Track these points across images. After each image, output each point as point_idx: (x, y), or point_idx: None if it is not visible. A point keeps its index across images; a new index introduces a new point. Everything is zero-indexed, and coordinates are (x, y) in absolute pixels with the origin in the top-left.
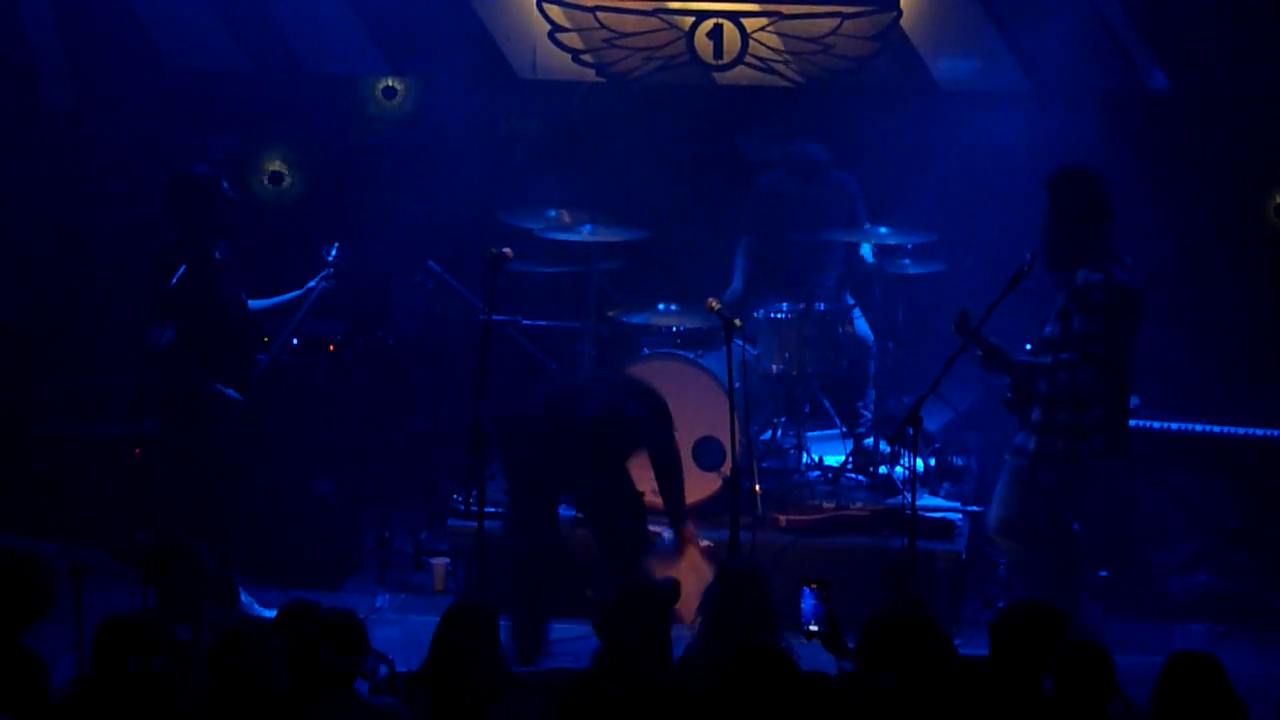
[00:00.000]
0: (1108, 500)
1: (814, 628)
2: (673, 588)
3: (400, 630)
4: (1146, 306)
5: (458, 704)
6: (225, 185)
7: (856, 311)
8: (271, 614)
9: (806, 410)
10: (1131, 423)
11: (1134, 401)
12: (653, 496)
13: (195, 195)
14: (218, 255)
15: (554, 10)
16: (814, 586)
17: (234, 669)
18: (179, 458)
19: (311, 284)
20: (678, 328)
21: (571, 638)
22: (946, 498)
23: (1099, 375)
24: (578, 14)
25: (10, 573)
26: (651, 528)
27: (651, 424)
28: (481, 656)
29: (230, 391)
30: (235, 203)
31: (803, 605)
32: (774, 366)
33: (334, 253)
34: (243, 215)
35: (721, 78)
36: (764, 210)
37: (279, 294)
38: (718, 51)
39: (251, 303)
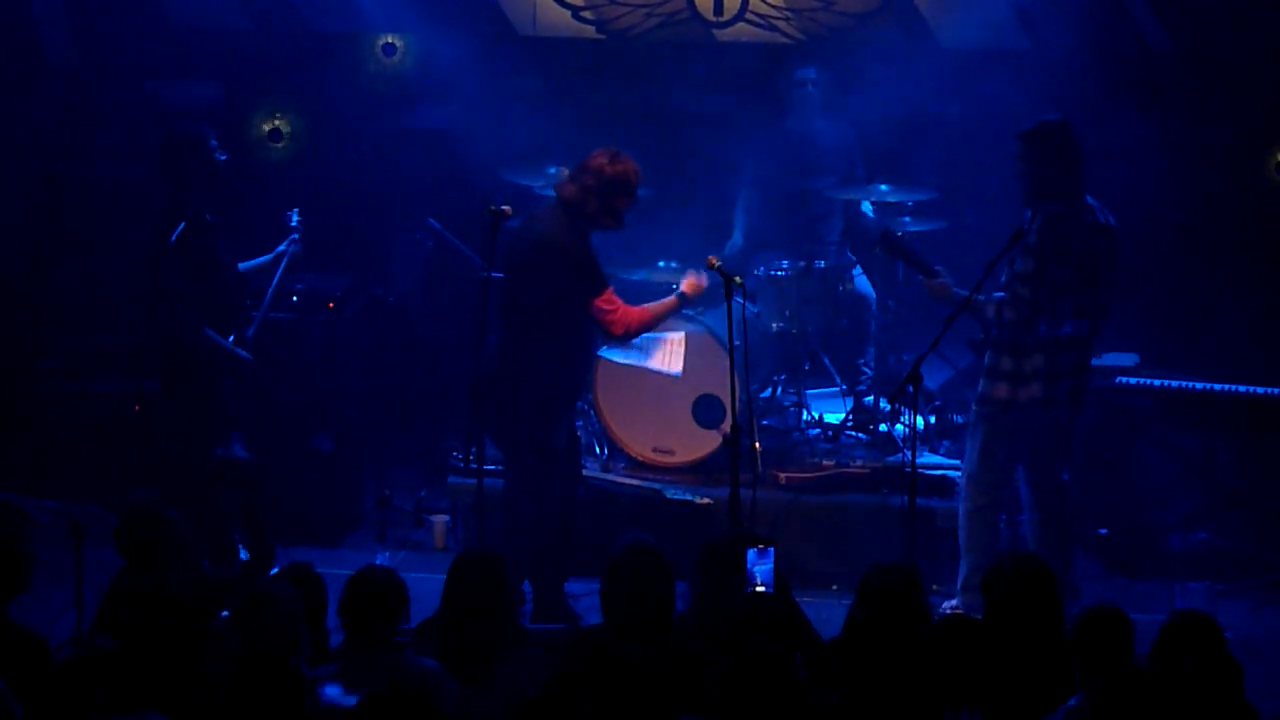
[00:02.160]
0: (1089, 456)
1: (761, 588)
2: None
3: None
4: (1105, 252)
5: (467, 655)
6: (214, 143)
7: (857, 269)
8: (272, 573)
9: (807, 368)
10: (1131, 380)
11: (1133, 359)
12: (654, 455)
13: (183, 154)
14: (208, 217)
15: None
16: (761, 547)
17: (257, 634)
18: (184, 418)
19: (281, 247)
20: (677, 285)
21: (584, 593)
22: (946, 455)
23: (1021, 315)
24: None
25: None
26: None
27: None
28: (491, 607)
29: (240, 350)
30: (222, 162)
31: (749, 566)
32: (774, 324)
33: (295, 218)
34: (237, 173)
35: (722, 34)
36: (762, 161)
37: (253, 258)
38: (718, 8)
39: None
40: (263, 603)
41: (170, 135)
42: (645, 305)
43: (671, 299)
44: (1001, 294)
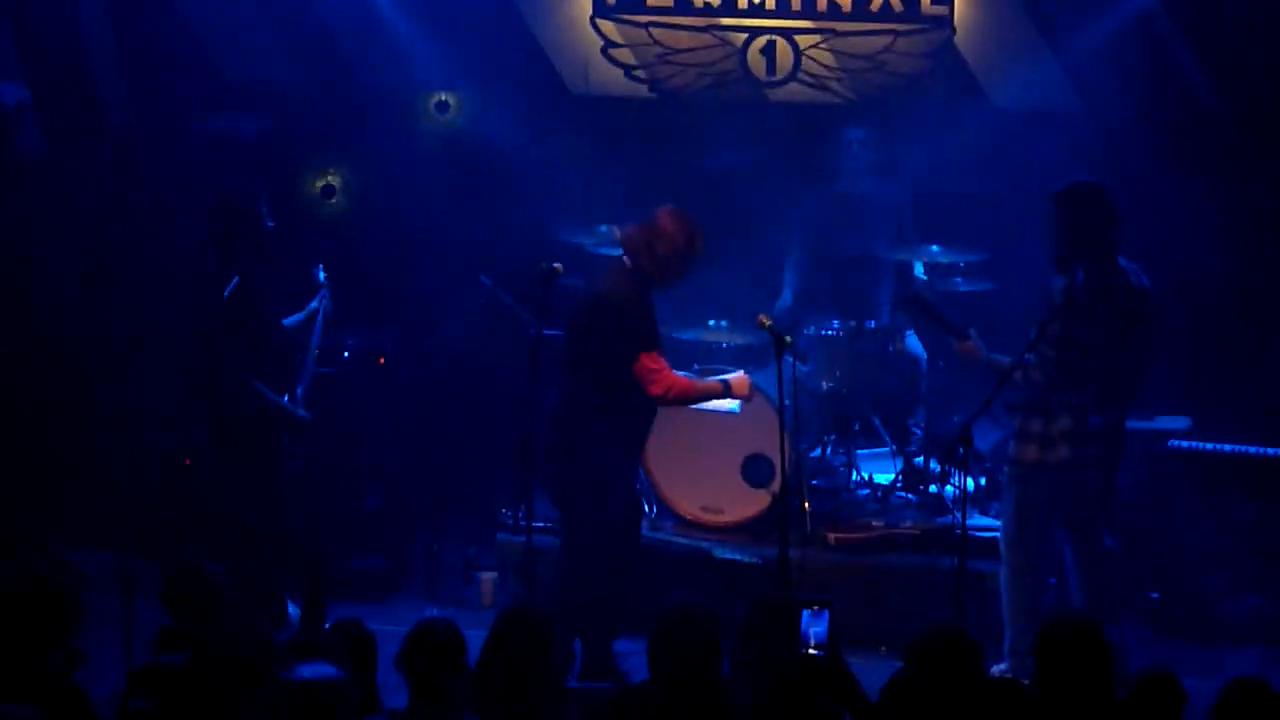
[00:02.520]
0: (1139, 519)
1: (814, 650)
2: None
3: None
4: (1136, 315)
5: (507, 712)
6: (264, 210)
7: (908, 329)
8: None
9: (856, 428)
10: (1183, 444)
11: (1185, 423)
12: (703, 514)
13: (234, 220)
14: (252, 278)
15: (607, 26)
16: (815, 608)
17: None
18: (235, 477)
19: (313, 305)
20: (728, 344)
21: (631, 651)
22: (996, 517)
23: (1049, 378)
24: (631, 29)
25: (30, 599)
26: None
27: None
28: (534, 664)
29: (300, 410)
30: (271, 231)
31: (803, 627)
32: (824, 384)
33: (322, 274)
34: (285, 240)
35: (774, 94)
36: (812, 222)
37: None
38: (771, 68)
39: None
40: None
41: (222, 202)
42: (691, 378)
43: (716, 384)
44: (1030, 356)
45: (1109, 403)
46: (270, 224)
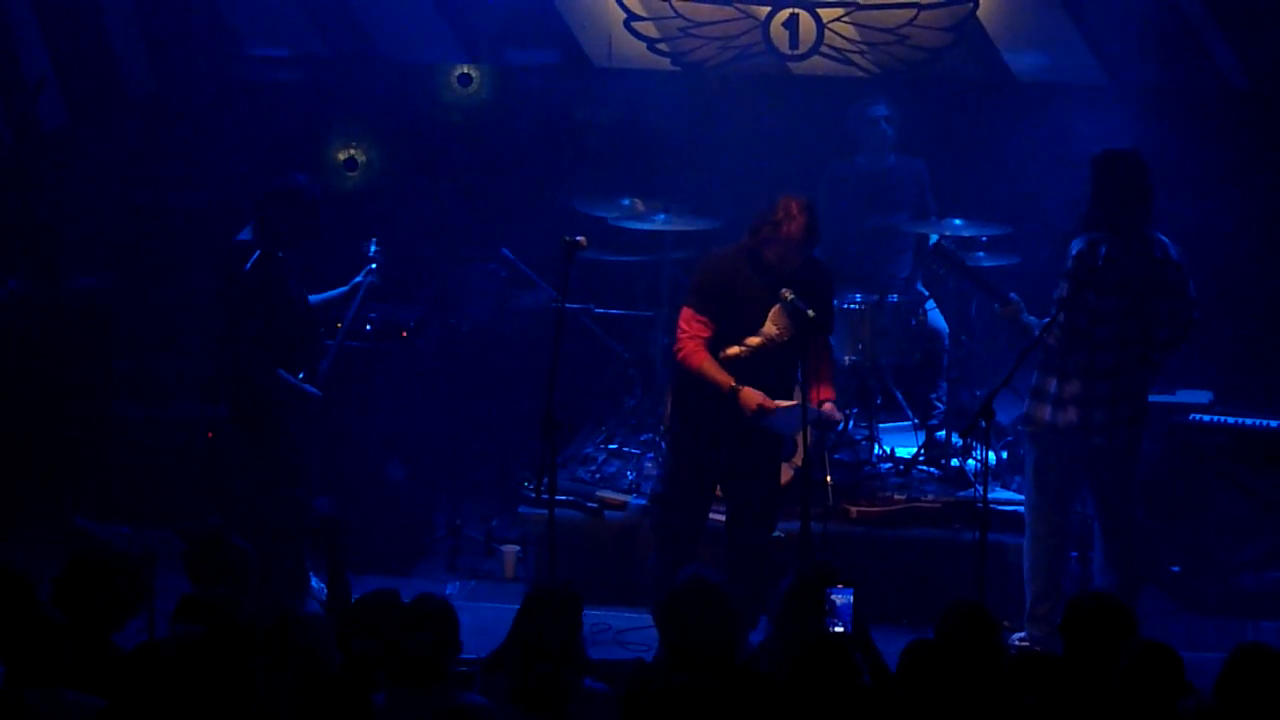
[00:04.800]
0: (1161, 493)
1: (839, 628)
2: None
3: (470, 617)
4: (1159, 284)
5: (537, 691)
6: (313, 195)
7: (930, 303)
8: None
9: (879, 401)
10: (1205, 418)
11: (1207, 397)
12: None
13: (292, 209)
14: (280, 254)
15: None
16: (842, 585)
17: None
18: (254, 447)
19: (358, 279)
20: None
21: (637, 627)
22: (1018, 491)
23: (1059, 340)
24: (653, 2)
25: (105, 576)
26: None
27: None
28: (564, 643)
29: (309, 387)
30: (320, 218)
31: (828, 604)
32: (847, 357)
33: (374, 248)
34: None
35: (797, 68)
36: (834, 196)
37: (329, 289)
38: (793, 41)
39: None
40: (296, 626)
41: (284, 188)
42: (712, 361)
43: (729, 379)
44: (1047, 318)
45: (1123, 371)
46: (321, 212)
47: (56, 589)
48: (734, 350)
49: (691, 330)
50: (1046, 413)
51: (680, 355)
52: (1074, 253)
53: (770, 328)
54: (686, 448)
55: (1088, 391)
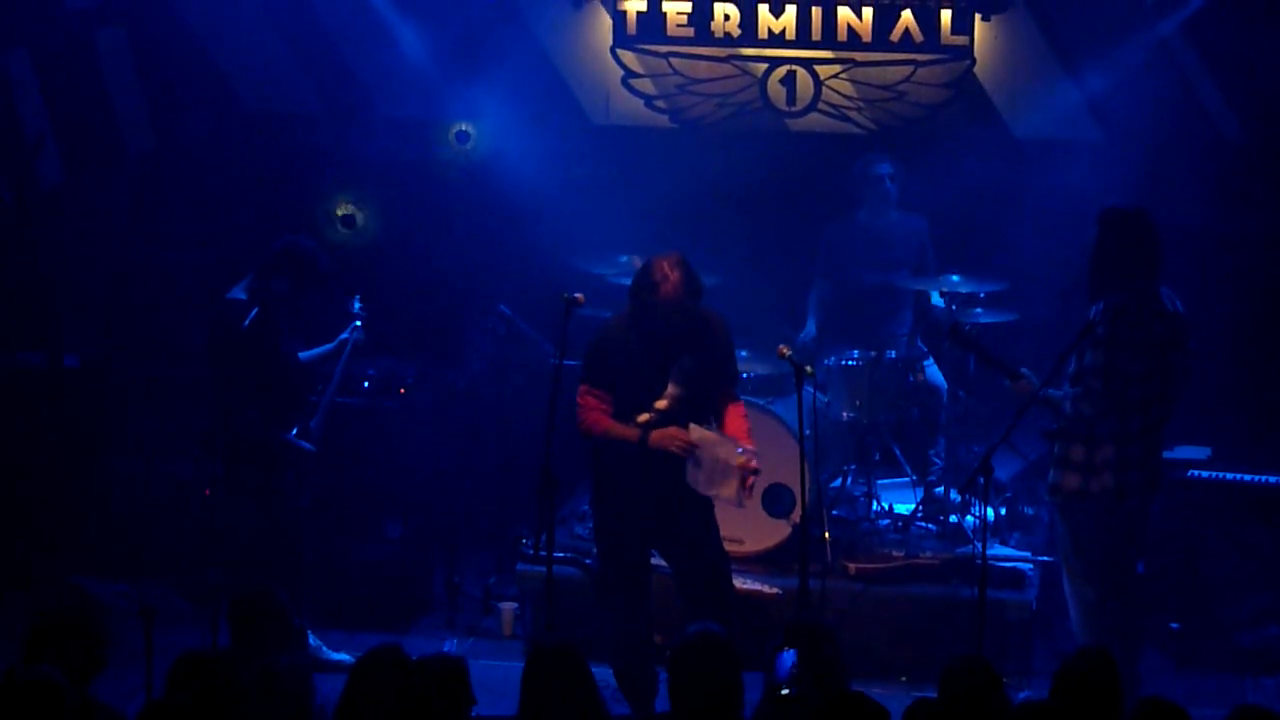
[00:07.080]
0: (1159, 549)
1: (785, 691)
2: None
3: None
4: (1171, 338)
5: None
6: (324, 261)
7: (929, 360)
8: (340, 657)
9: (877, 458)
10: (1203, 474)
11: (1205, 453)
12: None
13: (296, 270)
14: (275, 312)
15: (627, 56)
16: (784, 649)
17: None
18: (248, 503)
19: (344, 335)
20: (748, 374)
21: None
22: (1017, 547)
23: (1098, 408)
24: (651, 60)
25: (68, 630)
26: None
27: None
28: (576, 698)
29: (303, 442)
30: (326, 284)
31: (778, 667)
32: (845, 414)
33: (358, 304)
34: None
35: (794, 124)
36: (835, 253)
37: (314, 345)
38: (791, 98)
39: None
40: (275, 678)
41: (289, 247)
42: (612, 421)
43: (634, 431)
44: (1078, 389)
45: (1151, 430)
46: (320, 261)
47: (24, 655)
48: (644, 418)
49: (589, 404)
50: (1074, 480)
51: (583, 428)
52: (1104, 318)
53: (673, 389)
54: (613, 526)
55: (1121, 456)
